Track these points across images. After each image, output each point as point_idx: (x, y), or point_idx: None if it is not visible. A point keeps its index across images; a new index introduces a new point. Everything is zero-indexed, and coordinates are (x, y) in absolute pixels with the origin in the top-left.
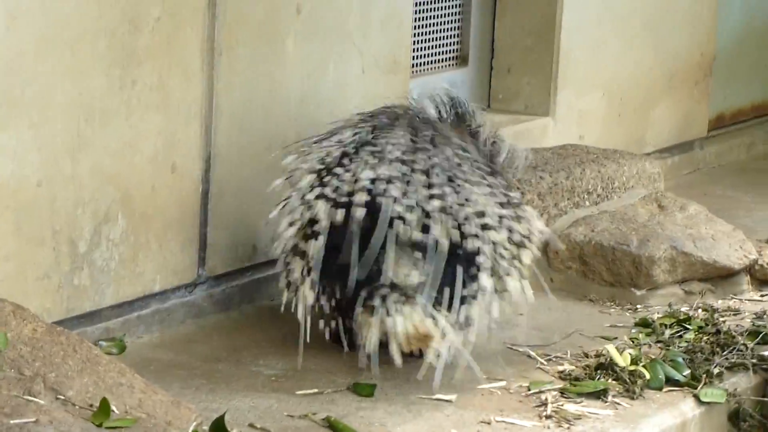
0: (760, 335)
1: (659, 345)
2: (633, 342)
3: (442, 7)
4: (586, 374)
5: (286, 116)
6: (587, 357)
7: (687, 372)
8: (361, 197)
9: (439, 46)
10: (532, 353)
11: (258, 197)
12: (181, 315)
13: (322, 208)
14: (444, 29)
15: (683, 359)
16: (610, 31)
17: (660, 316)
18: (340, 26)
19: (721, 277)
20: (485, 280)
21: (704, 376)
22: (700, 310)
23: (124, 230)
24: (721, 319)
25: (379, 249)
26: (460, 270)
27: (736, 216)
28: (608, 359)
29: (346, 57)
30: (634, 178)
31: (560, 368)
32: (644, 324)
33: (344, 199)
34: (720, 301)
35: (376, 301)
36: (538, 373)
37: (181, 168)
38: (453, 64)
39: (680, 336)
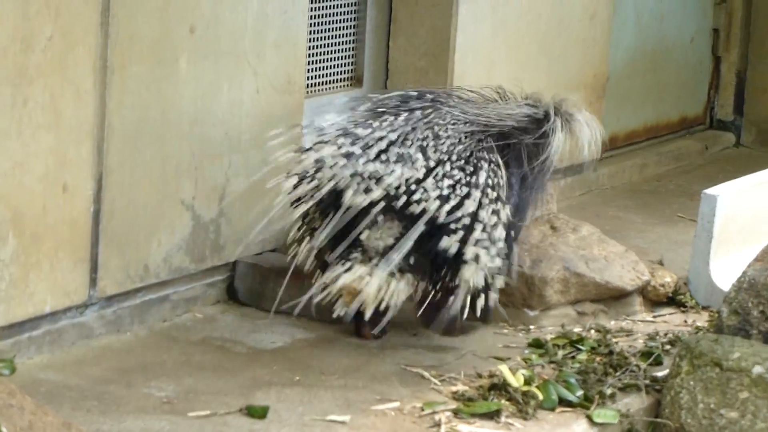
0: (653, 356)
1: (552, 366)
2: (526, 362)
3: (336, 28)
4: (479, 395)
5: (179, 136)
6: (481, 377)
7: (580, 393)
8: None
9: (334, 67)
10: (426, 374)
11: (150, 217)
12: (73, 336)
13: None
14: (339, 50)
15: (576, 380)
16: (503, 53)
17: (553, 336)
18: (234, 46)
19: (613, 298)
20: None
21: (597, 396)
22: (593, 331)
23: (14, 250)
24: (614, 340)
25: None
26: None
27: (629, 237)
28: (501, 380)
29: (241, 77)
30: None
31: (454, 389)
32: (537, 345)
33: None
34: (613, 322)
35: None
36: (432, 394)
37: (72, 187)
38: (348, 85)
39: (573, 357)
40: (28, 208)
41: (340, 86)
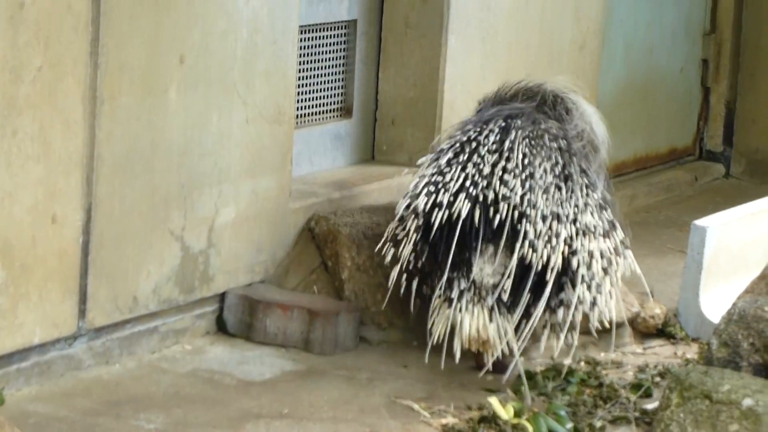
0: (643, 388)
1: (542, 398)
2: (516, 394)
3: (326, 59)
4: (469, 427)
5: (168, 166)
6: (470, 410)
7: (570, 425)
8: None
9: (324, 98)
10: (416, 406)
11: (139, 248)
12: (61, 368)
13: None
14: (328, 81)
15: (566, 412)
16: (492, 83)
17: (543, 368)
18: (224, 76)
19: (603, 330)
20: (575, 290)
21: (587, 429)
22: (582, 363)
23: (3, 281)
24: (604, 372)
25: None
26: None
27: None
28: (491, 412)
29: (230, 107)
30: None
31: (444, 421)
32: (527, 376)
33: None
34: (602, 354)
35: (454, 293)
36: (422, 426)
37: (61, 218)
38: (337, 116)
39: (563, 389)
40: (17, 239)
41: (330, 116)
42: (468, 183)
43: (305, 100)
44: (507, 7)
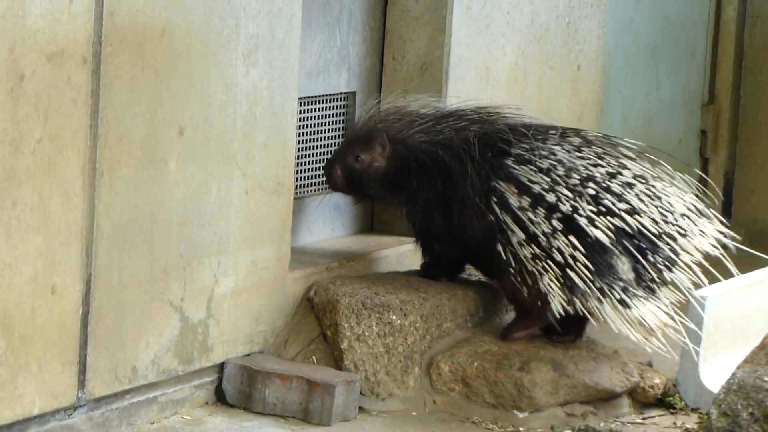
0: None
1: None
2: None
3: (325, 131)
4: None
5: (167, 237)
6: None
7: None
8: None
9: (323, 169)
10: None
11: (138, 318)
12: None
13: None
14: (328, 152)
15: None
16: None
17: None
18: (223, 147)
19: (603, 399)
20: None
21: None
22: None
23: (3, 352)
24: None
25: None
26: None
27: (618, 338)
28: None
29: (230, 178)
30: None
31: None
32: None
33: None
34: (602, 424)
35: (623, 296)
36: None
37: (61, 289)
38: None
39: None
40: (16, 309)
41: (328, 188)
42: None
43: (304, 171)
44: (505, 79)
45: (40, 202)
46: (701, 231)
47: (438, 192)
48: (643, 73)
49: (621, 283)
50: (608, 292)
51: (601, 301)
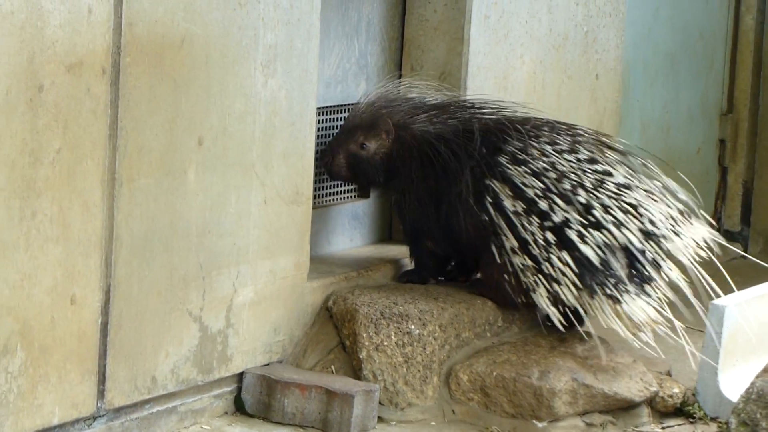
0: None
1: None
2: None
3: None
4: None
5: (186, 247)
6: None
7: None
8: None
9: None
10: None
11: (157, 328)
12: None
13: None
14: None
15: None
16: None
17: None
18: (242, 157)
19: (622, 409)
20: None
21: None
22: None
23: (23, 362)
24: None
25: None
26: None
27: (636, 348)
28: None
29: (249, 188)
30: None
31: None
32: None
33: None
34: None
35: (616, 292)
36: None
37: (80, 299)
38: (354, 196)
39: None
40: (36, 320)
41: (347, 197)
42: None
43: (323, 181)
44: (523, 88)
45: (59, 213)
46: (687, 234)
47: (432, 185)
48: (661, 82)
49: (612, 279)
50: (599, 289)
51: (592, 297)
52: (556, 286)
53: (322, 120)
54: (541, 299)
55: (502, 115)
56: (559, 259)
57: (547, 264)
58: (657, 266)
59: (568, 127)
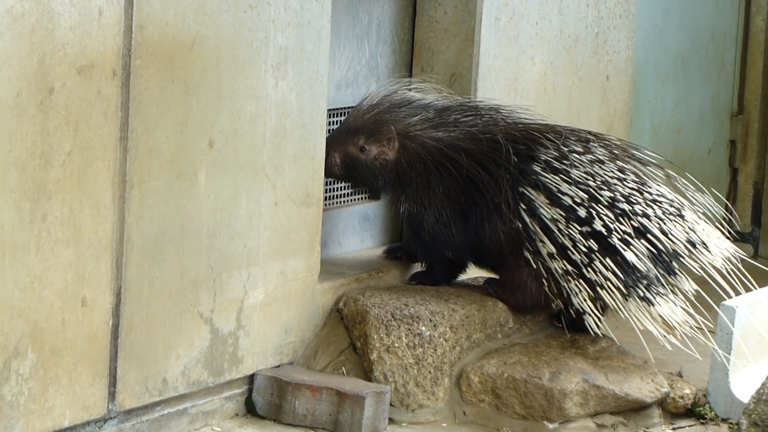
0: None
1: None
2: None
3: None
4: None
5: (197, 249)
6: None
7: None
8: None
9: None
10: None
11: (168, 330)
12: None
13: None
14: None
15: None
16: None
17: None
18: (253, 159)
19: (633, 410)
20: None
21: None
22: None
23: (33, 364)
24: None
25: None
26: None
27: (647, 349)
28: None
29: (259, 190)
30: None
31: None
32: None
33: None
34: None
35: (648, 294)
36: None
37: (91, 301)
38: (364, 197)
39: None
40: (47, 322)
41: (358, 199)
42: None
43: (334, 182)
44: (534, 89)
45: (70, 215)
46: (715, 244)
47: (456, 198)
48: (672, 83)
49: (645, 281)
50: (632, 291)
51: (626, 300)
52: (599, 290)
53: (333, 122)
54: (584, 304)
55: (522, 123)
56: (602, 263)
57: (588, 269)
58: (685, 270)
59: (598, 138)
